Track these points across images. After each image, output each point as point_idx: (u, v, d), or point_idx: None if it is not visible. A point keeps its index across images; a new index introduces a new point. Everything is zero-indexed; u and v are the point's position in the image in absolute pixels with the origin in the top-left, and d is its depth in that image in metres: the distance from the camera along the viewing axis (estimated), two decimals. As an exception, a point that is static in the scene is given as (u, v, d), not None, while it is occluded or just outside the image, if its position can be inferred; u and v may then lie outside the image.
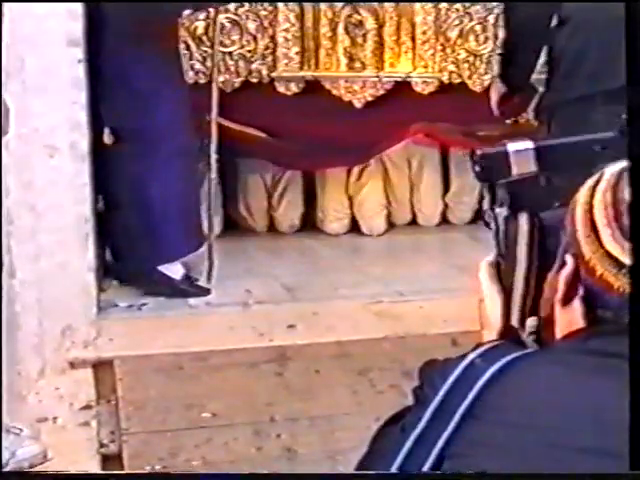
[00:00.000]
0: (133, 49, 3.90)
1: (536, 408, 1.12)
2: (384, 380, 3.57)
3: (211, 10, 4.39)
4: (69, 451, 3.09)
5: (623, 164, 1.19)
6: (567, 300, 1.23)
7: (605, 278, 1.15)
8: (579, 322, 1.22)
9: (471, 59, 5.05)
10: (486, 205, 1.49)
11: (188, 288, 4.25)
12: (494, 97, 4.13)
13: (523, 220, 1.39)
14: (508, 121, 5.25)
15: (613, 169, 1.20)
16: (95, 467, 3.03)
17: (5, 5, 2.88)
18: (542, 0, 4.85)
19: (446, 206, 5.58)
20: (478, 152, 1.49)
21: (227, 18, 4.61)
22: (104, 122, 3.97)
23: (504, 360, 1.16)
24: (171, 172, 4.13)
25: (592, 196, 1.19)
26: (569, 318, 1.23)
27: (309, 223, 5.41)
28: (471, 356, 1.19)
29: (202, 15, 4.53)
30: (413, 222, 5.59)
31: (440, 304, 4.20)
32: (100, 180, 3.92)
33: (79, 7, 3.52)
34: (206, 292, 4.25)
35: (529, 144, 1.47)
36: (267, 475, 2.51)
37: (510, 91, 4.05)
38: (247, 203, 5.27)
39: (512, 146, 1.47)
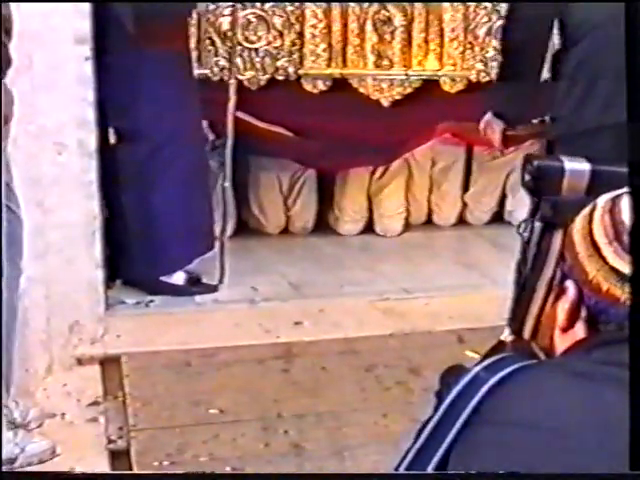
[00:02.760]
0: (138, 48, 3.90)
1: (537, 411, 1.15)
2: (391, 377, 3.58)
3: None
4: (77, 447, 3.09)
5: (614, 193, 1.26)
6: (568, 326, 1.28)
7: (612, 292, 1.21)
8: (580, 337, 1.27)
9: (500, 57, 4.96)
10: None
11: (194, 289, 4.26)
12: (496, 136, 3.72)
13: (558, 239, 1.39)
14: (535, 120, 5.20)
15: (605, 197, 1.27)
16: (103, 463, 3.03)
17: (13, 3, 2.88)
18: (546, 0, 4.86)
19: (465, 206, 5.57)
20: (535, 162, 1.47)
21: (253, 14, 4.57)
22: (108, 121, 3.96)
23: (507, 370, 1.19)
24: (176, 177, 4.12)
25: (590, 222, 1.25)
26: (570, 340, 1.28)
27: (320, 223, 5.40)
28: (476, 369, 1.22)
29: (227, 10, 4.47)
30: (427, 221, 5.58)
31: (446, 301, 4.23)
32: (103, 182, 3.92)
33: (86, 5, 3.54)
34: (213, 289, 4.26)
35: (586, 165, 1.46)
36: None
37: (509, 125, 3.67)
38: (261, 204, 5.24)
39: (569, 164, 1.46)
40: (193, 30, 4.47)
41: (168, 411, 3.33)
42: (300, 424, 3.29)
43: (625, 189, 1.26)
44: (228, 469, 2.99)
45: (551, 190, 1.45)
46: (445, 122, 5.07)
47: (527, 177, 1.47)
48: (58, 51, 3.45)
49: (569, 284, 1.26)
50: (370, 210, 5.37)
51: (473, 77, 4.99)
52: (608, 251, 1.21)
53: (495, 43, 4.93)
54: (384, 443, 3.05)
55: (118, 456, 3.13)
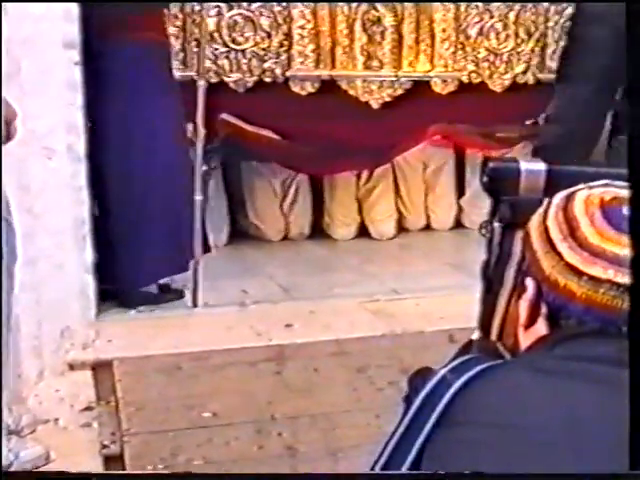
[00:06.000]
0: (109, 41, 3.83)
1: (505, 410, 1.16)
2: (383, 377, 3.58)
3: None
4: (71, 452, 3.09)
5: (568, 190, 1.29)
6: (530, 323, 1.30)
7: (569, 287, 1.22)
8: (542, 333, 1.29)
9: (491, 58, 4.95)
10: (486, 216, 1.51)
11: (165, 295, 4.22)
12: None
13: (519, 239, 1.39)
14: (528, 122, 5.18)
15: (559, 195, 1.30)
16: (98, 468, 3.03)
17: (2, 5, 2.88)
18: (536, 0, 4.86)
19: (461, 210, 5.56)
20: (490, 164, 1.50)
21: (240, 14, 4.51)
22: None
23: (473, 371, 1.21)
24: (155, 186, 4.03)
25: (545, 219, 1.27)
26: (533, 337, 1.29)
27: (315, 229, 5.41)
28: (443, 371, 1.23)
29: (213, 11, 4.40)
30: (427, 226, 5.61)
31: (436, 301, 4.24)
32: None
33: (75, 9, 3.53)
34: (180, 295, 4.22)
35: (542, 166, 1.48)
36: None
37: None
38: (257, 211, 5.21)
39: (525, 165, 1.48)
40: (178, 31, 4.43)
41: (161, 415, 3.32)
42: (294, 426, 3.29)
43: (579, 186, 1.29)
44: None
45: (509, 191, 1.47)
46: (436, 124, 5.04)
47: (485, 179, 1.50)
48: (47, 56, 3.45)
49: (528, 281, 1.29)
50: (361, 214, 5.36)
51: (464, 78, 4.95)
52: (563, 247, 1.23)
53: (487, 43, 4.91)
54: (377, 444, 3.05)
55: (112, 461, 3.13)
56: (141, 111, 3.93)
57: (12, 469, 2.88)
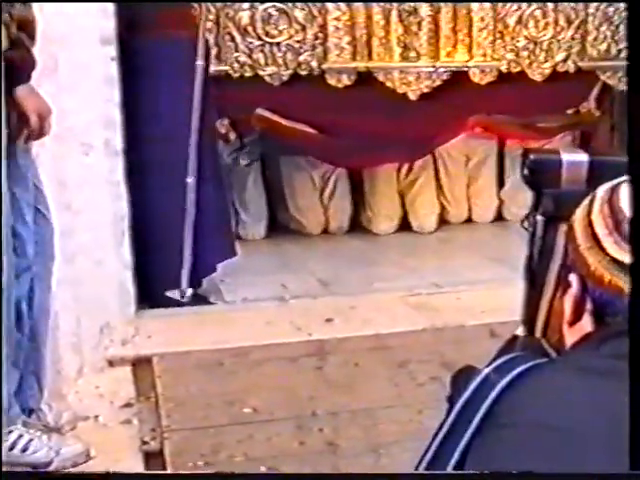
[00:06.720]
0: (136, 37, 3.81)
1: (552, 411, 1.12)
2: (424, 372, 3.55)
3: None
4: (111, 449, 3.08)
5: (613, 182, 1.24)
6: (575, 319, 1.26)
7: (615, 283, 1.19)
8: (588, 330, 1.25)
9: (531, 47, 4.81)
10: (526, 208, 1.47)
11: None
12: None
13: (562, 232, 1.35)
14: (569, 111, 5.10)
15: (604, 187, 1.25)
16: (138, 464, 3.02)
17: (38, 4, 2.87)
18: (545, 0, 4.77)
19: (501, 202, 5.51)
20: (531, 156, 1.45)
21: (274, 7, 4.44)
22: None
23: (517, 370, 1.17)
24: (177, 191, 3.99)
25: (589, 213, 1.23)
26: (578, 334, 1.26)
27: (353, 222, 5.40)
28: (486, 370, 1.20)
29: (246, 4, 4.36)
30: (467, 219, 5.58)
31: (477, 295, 4.19)
32: None
33: (111, 5, 3.53)
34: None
35: (584, 157, 1.43)
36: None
37: None
38: (298, 204, 5.21)
39: (566, 156, 1.43)
40: (212, 25, 4.40)
41: (202, 411, 3.31)
42: (335, 422, 3.27)
43: (624, 177, 1.24)
44: (263, 469, 2.96)
45: (551, 183, 1.43)
46: (475, 115, 4.98)
47: (526, 171, 1.45)
48: (83, 52, 3.45)
49: (572, 277, 1.25)
50: (403, 207, 5.33)
51: (504, 68, 4.84)
52: (608, 242, 1.19)
53: (526, 32, 4.82)
54: (420, 440, 3.01)
55: (152, 457, 3.12)
56: (169, 106, 3.91)
57: (53, 466, 2.88)
